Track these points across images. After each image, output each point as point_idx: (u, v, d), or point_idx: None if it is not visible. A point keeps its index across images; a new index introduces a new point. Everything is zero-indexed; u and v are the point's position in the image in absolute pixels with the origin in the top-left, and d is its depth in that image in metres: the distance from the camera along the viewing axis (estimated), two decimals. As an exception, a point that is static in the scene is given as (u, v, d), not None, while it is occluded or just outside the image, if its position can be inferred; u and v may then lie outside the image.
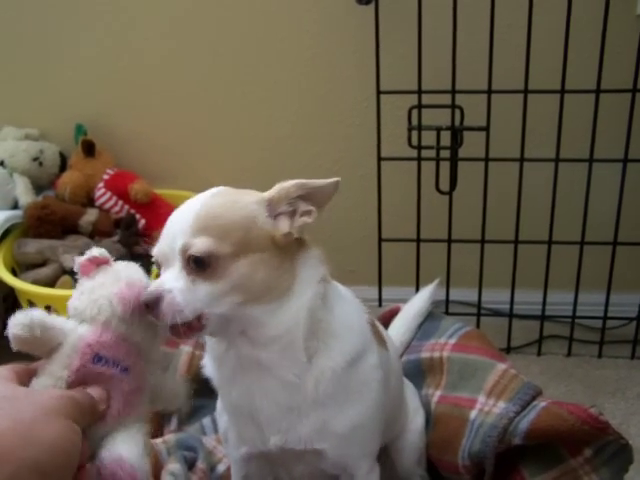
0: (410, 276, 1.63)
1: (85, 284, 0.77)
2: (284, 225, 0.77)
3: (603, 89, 1.46)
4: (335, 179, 0.77)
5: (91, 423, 0.70)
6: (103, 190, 1.77)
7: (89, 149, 1.77)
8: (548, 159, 1.54)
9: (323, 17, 1.66)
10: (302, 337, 0.78)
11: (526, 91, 1.49)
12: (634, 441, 0.90)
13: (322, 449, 0.82)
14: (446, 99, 1.52)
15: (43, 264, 1.62)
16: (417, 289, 1.55)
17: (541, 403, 0.94)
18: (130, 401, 0.73)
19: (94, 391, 0.71)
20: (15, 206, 1.72)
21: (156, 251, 0.78)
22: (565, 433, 0.88)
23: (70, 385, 0.71)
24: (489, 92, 1.50)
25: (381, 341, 0.92)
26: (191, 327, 0.74)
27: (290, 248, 0.78)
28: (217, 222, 0.74)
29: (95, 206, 1.78)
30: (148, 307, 0.73)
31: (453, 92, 1.51)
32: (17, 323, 0.69)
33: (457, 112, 1.51)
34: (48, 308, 1.50)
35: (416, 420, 1.06)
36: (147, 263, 1.58)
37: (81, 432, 0.65)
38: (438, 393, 1.11)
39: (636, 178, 1.55)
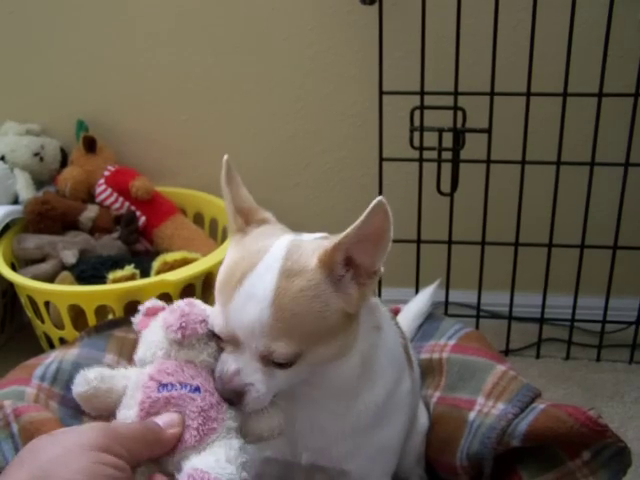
0: (410, 277, 1.63)
1: (143, 335, 0.78)
2: (354, 297, 0.73)
3: (605, 93, 1.46)
4: (377, 199, 0.70)
5: (160, 450, 0.67)
6: (104, 186, 1.77)
7: (90, 145, 1.77)
8: (549, 162, 1.54)
9: (326, 17, 1.66)
10: (355, 382, 0.80)
11: (529, 94, 1.49)
12: (632, 445, 0.89)
13: (348, 469, 0.85)
14: (448, 101, 1.52)
15: (42, 260, 1.61)
16: (417, 290, 1.55)
17: (540, 405, 0.94)
18: (210, 417, 0.70)
19: (163, 418, 0.69)
20: (15, 201, 1.72)
21: (220, 327, 0.72)
22: (563, 435, 0.87)
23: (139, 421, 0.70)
24: (491, 94, 1.50)
25: (409, 362, 0.92)
26: None
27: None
28: (296, 323, 0.69)
29: (96, 202, 1.77)
30: (229, 400, 0.71)
31: (456, 94, 1.51)
32: (76, 384, 0.71)
33: (459, 114, 1.51)
34: (47, 304, 1.50)
35: (420, 422, 1.06)
36: (146, 260, 1.59)
37: (129, 464, 0.62)
38: (437, 394, 1.11)
39: (637, 182, 1.55)
